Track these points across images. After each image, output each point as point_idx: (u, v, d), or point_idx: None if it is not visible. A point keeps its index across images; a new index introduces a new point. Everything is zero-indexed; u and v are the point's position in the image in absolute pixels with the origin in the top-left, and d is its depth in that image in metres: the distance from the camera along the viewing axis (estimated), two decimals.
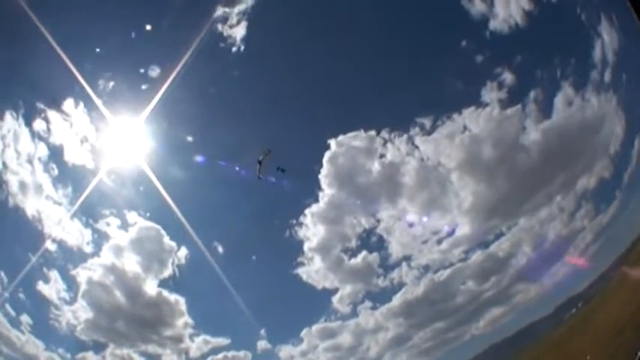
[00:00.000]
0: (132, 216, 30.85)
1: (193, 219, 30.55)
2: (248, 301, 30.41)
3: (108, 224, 31.23)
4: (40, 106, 31.16)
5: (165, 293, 31.45)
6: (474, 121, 29.68)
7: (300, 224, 30.97)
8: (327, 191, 30.43)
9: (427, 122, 29.20)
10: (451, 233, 31.28)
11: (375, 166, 30.14)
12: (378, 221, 30.77)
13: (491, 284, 33.09)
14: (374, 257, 31.17)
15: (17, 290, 34.11)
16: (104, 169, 30.63)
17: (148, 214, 30.50)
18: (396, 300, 31.62)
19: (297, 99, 30.38)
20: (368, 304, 31.68)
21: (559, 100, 28.91)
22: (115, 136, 29.13)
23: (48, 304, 33.40)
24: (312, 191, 30.33)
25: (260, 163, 24.15)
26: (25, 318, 34.07)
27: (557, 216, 31.36)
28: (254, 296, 31.34)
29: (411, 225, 30.81)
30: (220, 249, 31.31)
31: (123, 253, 31.16)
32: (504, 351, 38.14)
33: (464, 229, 31.50)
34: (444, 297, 32.61)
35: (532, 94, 29.16)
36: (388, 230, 30.85)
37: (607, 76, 27.69)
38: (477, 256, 31.73)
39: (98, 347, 32.82)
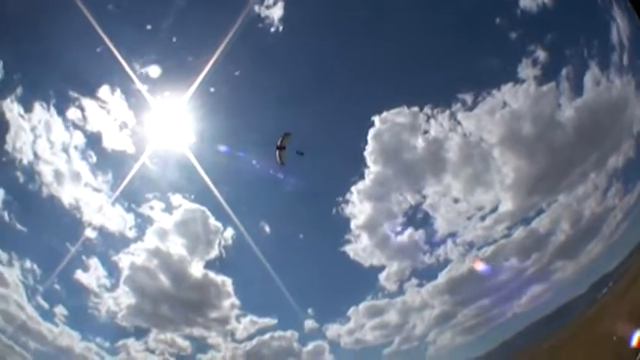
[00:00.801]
0: (176, 199, 30.44)
1: (239, 199, 30.38)
2: (295, 280, 30.14)
3: (151, 208, 30.76)
4: (74, 94, 30.74)
5: (212, 275, 31.00)
6: (513, 97, 29.88)
7: (347, 201, 30.73)
8: (373, 168, 30.33)
9: (468, 98, 29.28)
10: (494, 209, 31.44)
11: (419, 142, 30.10)
12: (424, 197, 30.64)
13: (532, 261, 33.10)
14: (420, 234, 31.06)
15: (52, 282, 33.38)
16: (146, 153, 30.15)
17: (193, 196, 30.11)
18: (442, 277, 31.52)
19: (338, 76, 30.23)
20: (414, 281, 31.46)
21: (588, 79, 29.21)
22: (156, 120, 28.81)
23: (87, 293, 32.65)
24: (357, 168, 30.21)
25: (279, 148, 23.66)
26: (59, 309, 33.24)
27: (591, 194, 31.73)
28: (301, 275, 31.18)
29: (455, 201, 30.87)
30: (267, 228, 31.07)
31: (168, 236, 30.67)
32: (542, 330, 38.15)
33: (506, 205, 31.56)
34: (488, 274, 32.52)
35: (564, 71, 29.41)
36: (433, 206, 30.74)
37: (625, 60, 28.23)
38: (519, 232, 31.67)
39: (140, 333, 32.16)
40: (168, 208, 30.53)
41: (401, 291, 31.54)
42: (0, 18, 30.81)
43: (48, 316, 33.18)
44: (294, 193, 30.55)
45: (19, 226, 32.71)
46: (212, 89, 28.35)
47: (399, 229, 30.74)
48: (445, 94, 29.85)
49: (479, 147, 30.78)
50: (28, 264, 33.09)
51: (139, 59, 28.24)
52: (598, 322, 35.09)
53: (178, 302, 31.36)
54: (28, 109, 31.05)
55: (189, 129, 28.47)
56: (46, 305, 33.29)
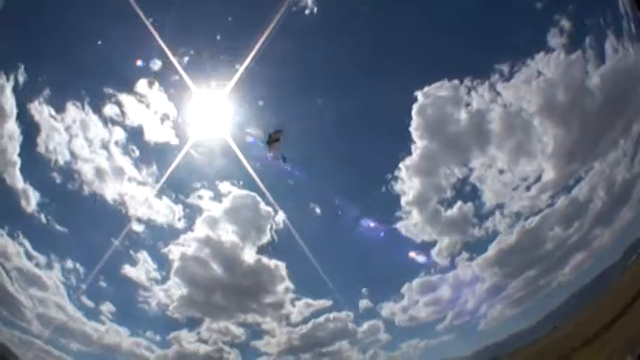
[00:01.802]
0: (225, 186, 30.23)
1: (288, 183, 30.25)
2: (349, 260, 30.12)
3: (200, 197, 30.47)
4: (109, 91, 30.31)
5: (265, 260, 30.71)
6: (546, 66, 29.94)
7: (396, 178, 30.64)
8: (419, 143, 30.31)
9: (505, 68, 29.38)
10: (538, 179, 31.80)
11: (462, 114, 30.16)
12: (471, 170, 30.69)
13: (574, 229, 33.19)
14: (469, 207, 31.02)
15: (97, 279, 32.79)
16: (189, 143, 29.78)
17: (242, 183, 29.88)
18: (491, 250, 31.57)
19: (378, 54, 30.04)
20: (465, 255, 31.53)
21: (608, 47, 29.34)
22: (198, 110, 28.39)
23: (136, 287, 32.07)
24: (404, 144, 30.12)
25: (269, 143, 23.56)
26: (106, 307, 32.62)
27: (622, 160, 32.32)
28: (355, 254, 31.07)
29: (501, 172, 31.17)
30: (318, 210, 30.96)
31: (218, 224, 30.37)
32: (583, 299, 38.55)
33: (549, 174, 31.82)
34: (535, 244, 32.73)
35: (587, 40, 29.54)
36: (480, 179, 30.80)
37: (633, 29, 29.15)
38: (562, 201, 31.90)
39: (192, 324, 31.75)
40: (217, 196, 30.27)
41: (452, 265, 31.58)
42: (16, 19, 30.53)
43: (93, 314, 32.50)
44: (342, 172, 30.61)
45: (58, 227, 32.11)
46: (253, 75, 28.08)
47: (448, 203, 30.87)
48: (482, 66, 29.83)
49: (519, 117, 31.02)
50: (69, 264, 32.42)
51: (176, 49, 27.63)
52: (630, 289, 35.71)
53: (232, 290, 30.99)
54: (60, 109, 30.54)
55: (233, 116, 28.17)
56: (90, 304, 32.61)
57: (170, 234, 31.25)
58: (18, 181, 31.56)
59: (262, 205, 29.99)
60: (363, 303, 31.06)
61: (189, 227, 30.65)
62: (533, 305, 35.11)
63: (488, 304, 33.15)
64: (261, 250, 30.65)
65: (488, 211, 31.35)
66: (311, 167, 30.62)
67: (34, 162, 32.39)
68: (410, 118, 29.87)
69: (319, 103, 30.12)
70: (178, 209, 30.70)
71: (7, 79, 30.68)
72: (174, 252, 30.80)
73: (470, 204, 31.12)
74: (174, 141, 30.07)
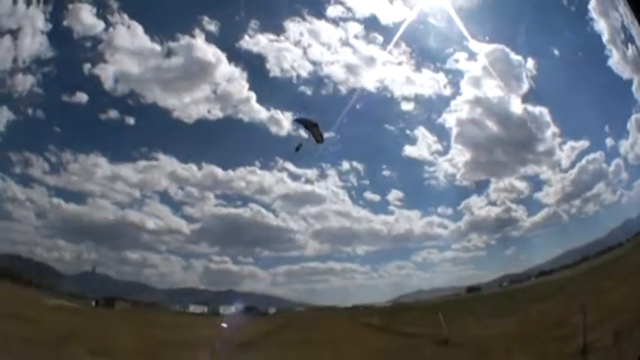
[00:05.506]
0: (474, 44, 31.71)
1: (530, 26, 32.55)
2: (598, 96, 32.55)
3: (456, 60, 31.74)
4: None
5: (530, 107, 31.70)
6: None
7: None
8: None
9: None
10: None
11: None
12: None
13: None
14: None
15: (379, 170, 31.08)
16: (423, 14, 31.58)
17: (487, 37, 31.28)
18: None
19: None
20: None
21: None
22: None
23: (420, 166, 30.65)
24: None
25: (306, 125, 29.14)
26: (394, 194, 30.53)
27: None
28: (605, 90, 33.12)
29: None
30: (556, 53, 33.22)
31: (480, 81, 31.47)
32: None
33: None
34: None
35: None
36: None
37: None
38: None
39: (480, 187, 30.89)
40: (472, 55, 31.71)
41: None
42: None
43: (380, 207, 30.21)
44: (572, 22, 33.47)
45: (324, 135, 30.68)
46: None
47: None
48: None
49: None
50: (345, 165, 30.55)
51: None
52: None
53: (508, 144, 31.33)
54: (278, 31, 30.78)
55: None
56: (376, 198, 30.38)
57: (440, 103, 31.27)
58: (259, 113, 29.85)
59: (512, 55, 31.46)
60: (608, 141, 33.08)
61: (456, 92, 31.24)
62: None
63: None
64: (524, 99, 31.98)
65: None
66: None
67: (271, 88, 31.01)
68: None
69: None
70: (440, 77, 31.36)
71: (192, 36, 30.09)
72: (449, 120, 30.73)
73: None
74: (412, 16, 31.59)
